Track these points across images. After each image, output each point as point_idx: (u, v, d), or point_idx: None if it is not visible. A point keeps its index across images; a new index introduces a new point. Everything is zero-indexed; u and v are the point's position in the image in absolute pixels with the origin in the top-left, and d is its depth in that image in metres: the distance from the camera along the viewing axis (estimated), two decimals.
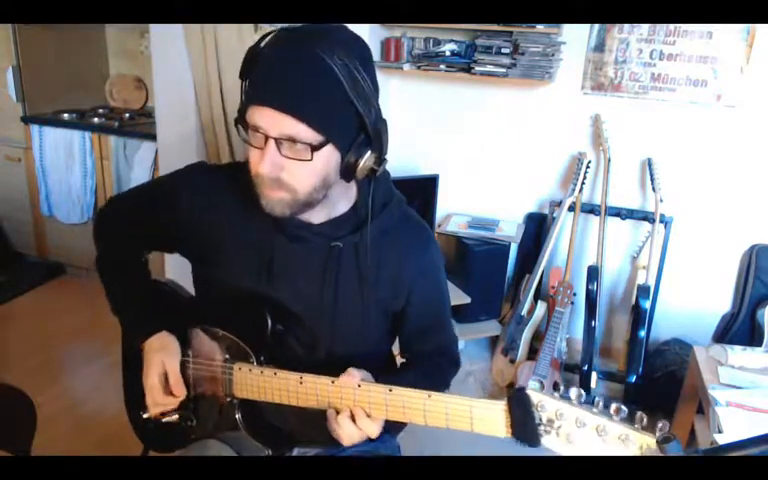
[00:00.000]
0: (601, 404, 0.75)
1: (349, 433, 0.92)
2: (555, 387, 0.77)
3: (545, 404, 0.76)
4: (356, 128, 0.89)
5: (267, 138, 0.86)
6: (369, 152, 0.91)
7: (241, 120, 0.89)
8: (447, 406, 0.84)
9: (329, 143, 0.87)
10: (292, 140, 0.85)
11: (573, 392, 0.76)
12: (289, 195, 0.90)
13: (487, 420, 0.82)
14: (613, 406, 0.75)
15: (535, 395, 0.77)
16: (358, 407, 0.91)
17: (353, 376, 0.92)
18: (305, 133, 0.85)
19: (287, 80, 0.83)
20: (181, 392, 1.01)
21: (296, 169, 0.88)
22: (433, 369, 1.14)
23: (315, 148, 0.86)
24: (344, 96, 0.84)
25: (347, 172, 0.92)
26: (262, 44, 0.88)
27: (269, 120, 0.85)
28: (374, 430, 0.92)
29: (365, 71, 0.86)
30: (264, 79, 0.85)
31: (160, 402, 1.01)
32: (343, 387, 0.92)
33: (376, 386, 0.89)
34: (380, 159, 0.93)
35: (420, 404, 0.86)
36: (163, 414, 1.07)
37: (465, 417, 0.83)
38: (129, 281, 1.11)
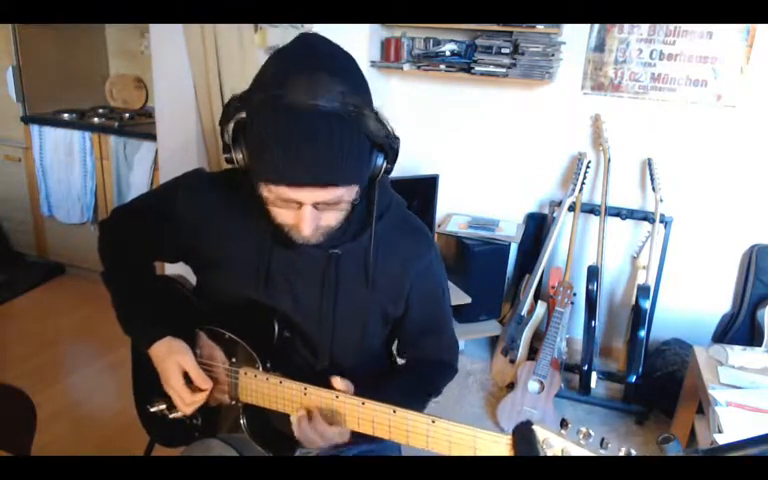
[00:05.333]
0: (610, 446, 0.74)
1: (308, 437, 0.92)
2: (562, 424, 0.77)
3: (551, 441, 0.76)
4: (370, 149, 0.89)
5: (302, 204, 0.86)
6: (385, 163, 0.93)
7: (256, 184, 0.87)
8: (451, 433, 0.84)
9: (362, 185, 0.90)
10: (328, 202, 0.86)
11: (582, 431, 0.75)
12: (324, 231, 0.92)
13: (491, 451, 0.81)
14: (623, 449, 0.73)
15: (541, 431, 0.77)
16: (317, 411, 0.92)
17: (338, 386, 0.92)
18: (344, 193, 0.86)
19: (316, 155, 0.80)
20: (207, 384, 1.01)
21: (332, 213, 0.90)
22: (427, 377, 1.14)
23: (354, 200, 0.88)
24: (362, 136, 0.84)
25: (369, 185, 0.95)
26: (255, 116, 0.83)
27: (304, 193, 0.84)
28: (333, 437, 0.92)
29: (361, 88, 0.85)
30: (291, 160, 0.81)
31: (190, 401, 1.01)
32: (347, 403, 0.91)
33: (381, 406, 0.89)
34: (394, 161, 0.95)
35: (423, 429, 0.86)
36: (170, 409, 1.07)
37: (468, 446, 0.83)
38: (133, 291, 1.10)
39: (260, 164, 0.85)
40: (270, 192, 0.86)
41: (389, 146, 0.90)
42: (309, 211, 0.86)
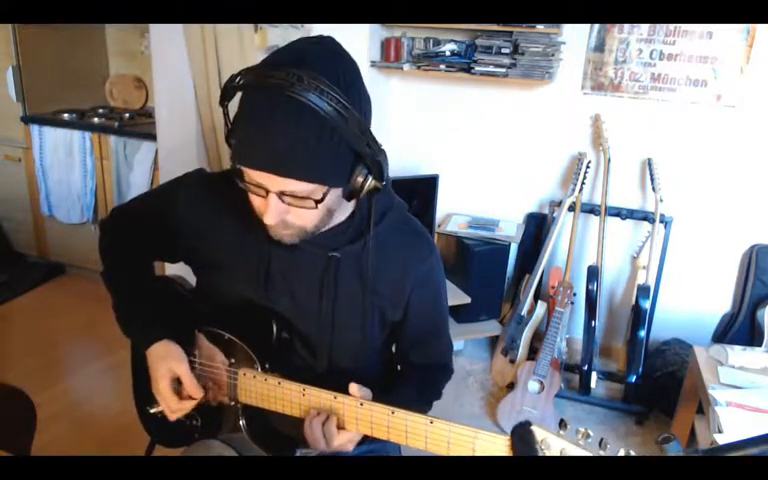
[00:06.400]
0: (609, 446, 0.74)
1: (316, 437, 0.92)
2: (561, 424, 0.76)
3: (549, 441, 0.76)
4: (353, 160, 0.87)
5: (268, 191, 0.85)
6: (370, 178, 0.89)
7: (236, 168, 0.87)
8: (450, 434, 0.84)
9: (331, 189, 0.87)
10: (294, 195, 0.85)
11: (580, 431, 0.75)
12: (297, 230, 0.92)
13: (489, 452, 0.81)
14: (622, 450, 0.73)
15: (539, 432, 0.76)
16: (333, 416, 0.92)
17: (355, 393, 0.92)
18: (307, 188, 0.84)
19: (278, 142, 0.80)
20: (197, 393, 1.00)
21: (301, 211, 0.88)
22: (428, 382, 1.15)
23: (319, 200, 0.86)
24: (339, 139, 0.82)
25: (351, 196, 0.92)
26: (240, 90, 0.85)
27: (267, 179, 0.83)
28: (337, 444, 0.92)
29: (352, 96, 0.83)
30: (253, 142, 0.82)
31: (176, 407, 1.01)
32: (346, 404, 0.91)
33: (379, 406, 0.89)
34: (381, 178, 0.91)
35: (422, 430, 0.86)
36: None
37: (467, 447, 0.83)
38: (133, 291, 1.10)
39: (235, 145, 0.86)
40: (245, 174, 0.86)
41: (370, 157, 0.86)
42: (273, 200, 0.85)
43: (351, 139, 0.83)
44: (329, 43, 0.88)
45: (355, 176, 0.88)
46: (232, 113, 0.89)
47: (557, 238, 2.69)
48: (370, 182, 0.89)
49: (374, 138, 0.87)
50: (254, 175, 0.84)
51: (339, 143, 0.82)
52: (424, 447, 0.86)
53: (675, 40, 2.53)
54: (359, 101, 0.85)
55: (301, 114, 0.78)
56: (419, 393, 1.11)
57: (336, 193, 0.89)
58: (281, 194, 0.85)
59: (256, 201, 0.89)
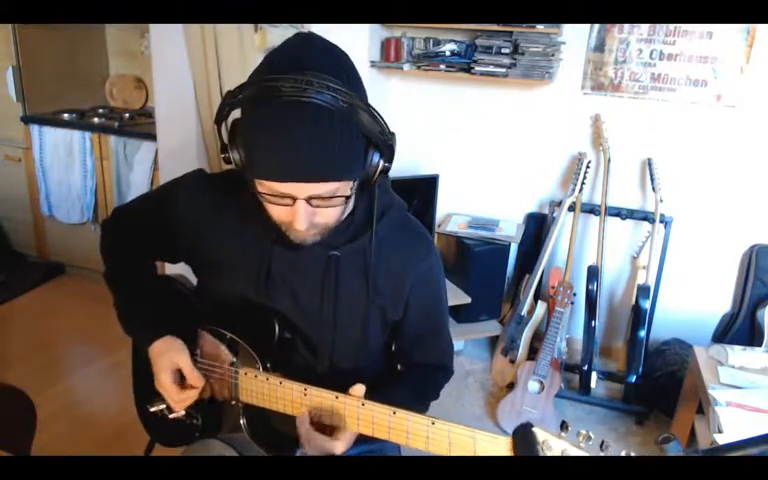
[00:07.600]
0: (610, 448, 0.73)
1: (309, 439, 0.93)
2: (562, 426, 0.76)
3: (550, 443, 0.76)
4: (366, 147, 0.89)
5: (295, 199, 0.85)
6: (381, 162, 0.92)
7: (250, 179, 0.87)
8: (450, 434, 0.84)
9: (356, 180, 0.89)
10: (322, 196, 0.86)
11: (582, 433, 0.75)
12: (321, 229, 0.93)
13: (490, 453, 0.82)
14: (623, 453, 0.73)
15: (541, 433, 0.76)
16: (313, 431, 0.92)
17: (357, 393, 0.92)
18: (334, 187, 0.85)
19: (303, 151, 0.81)
20: (199, 382, 1.01)
21: (327, 210, 0.89)
22: (426, 382, 1.15)
23: (348, 196, 0.88)
24: (355, 131, 0.84)
25: (364, 183, 0.94)
26: (243, 105, 0.84)
27: (295, 188, 0.84)
28: (334, 448, 0.93)
29: (353, 84, 0.85)
30: (276, 155, 0.82)
31: (179, 398, 1.01)
32: (347, 403, 0.92)
33: (380, 407, 0.89)
34: (391, 159, 0.94)
35: (423, 430, 0.86)
36: (170, 410, 1.07)
37: (468, 447, 0.83)
38: (134, 291, 1.10)
39: (252, 160, 0.86)
40: (264, 187, 0.86)
41: (384, 143, 0.89)
42: (303, 206, 0.86)
43: (364, 128, 0.84)
44: (317, 40, 0.88)
45: (369, 162, 0.90)
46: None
47: (557, 238, 2.69)
48: (381, 166, 0.92)
49: (382, 118, 0.88)
50: (279, 186, 0.84)
51: (356, 135, 0.84)
52: (425, 448, 0.86)
53: (675, 40, 2.53)
54: (360, 87, 0.87)
55: (318, 117, 0.79)
56: (416, 393, 1.12)
57: (356, 184, 0.92)
58: (309, 199, 0.85)
59: (277, 210, 0.89)
